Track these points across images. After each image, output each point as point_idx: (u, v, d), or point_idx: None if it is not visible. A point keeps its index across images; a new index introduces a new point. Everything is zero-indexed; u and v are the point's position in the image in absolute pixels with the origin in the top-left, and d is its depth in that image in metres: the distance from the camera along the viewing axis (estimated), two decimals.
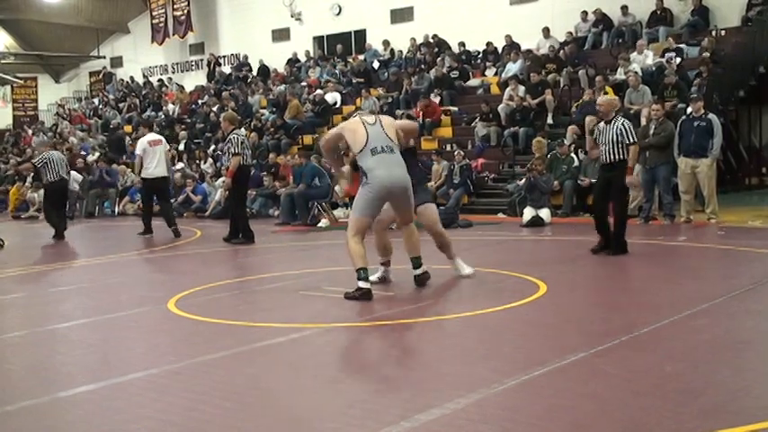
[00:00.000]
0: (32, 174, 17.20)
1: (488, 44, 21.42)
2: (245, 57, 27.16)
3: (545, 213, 13.01)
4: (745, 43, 17.13)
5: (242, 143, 11.57)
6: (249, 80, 25.74)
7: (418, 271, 7.34)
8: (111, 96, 29.62)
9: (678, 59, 16.28)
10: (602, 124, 9.27)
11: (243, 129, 12.99)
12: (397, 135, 7.21)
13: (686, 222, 12.00)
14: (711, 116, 12.16)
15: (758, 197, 16.53)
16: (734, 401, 3.89)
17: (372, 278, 7.19)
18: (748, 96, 17.60)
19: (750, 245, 9.52)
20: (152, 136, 13.71)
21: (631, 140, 8.98)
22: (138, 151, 13.56)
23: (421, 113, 18.09)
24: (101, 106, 29.13)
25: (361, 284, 6.80)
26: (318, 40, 26.97)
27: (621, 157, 8.97)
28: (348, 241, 6.96)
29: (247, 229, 11.78)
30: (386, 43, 24.13)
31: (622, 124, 9.00)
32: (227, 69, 27.97)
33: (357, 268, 6.83)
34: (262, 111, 22.34)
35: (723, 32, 18.10)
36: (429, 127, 18.14)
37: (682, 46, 17.55)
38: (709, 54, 16.37)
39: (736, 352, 4.91)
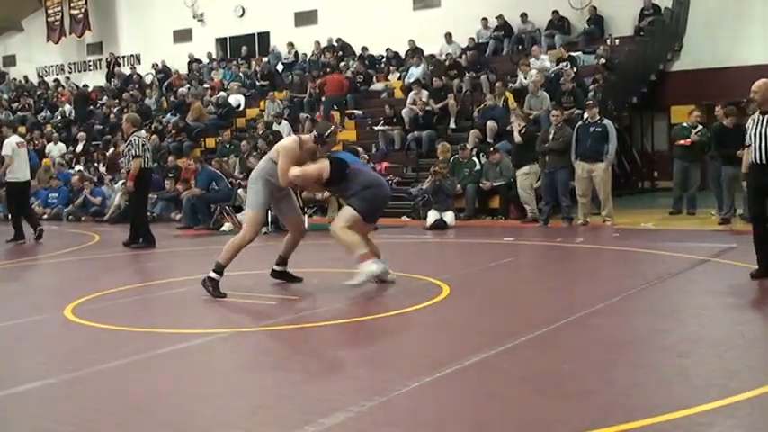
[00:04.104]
0: None
1: (387, 49, 21.59)
2: (163, 61, 26.36)
3: (449, 216, 13.18)
4: (638, 52, 17.78)
5: (143, 145, 11.33)
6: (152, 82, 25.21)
7: (211, 274, 7.15)
8: (5, 96, 28.53)
9: (574, 69, 16.74)
10: (756, 115, 7.49)
11: (143, 131, 12.66)
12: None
13: (583, 225, 12.36)
14: (606, 122, 12.57)
15: (650, 200, 17.17)
16: (628, 398, 4.04)
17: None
18: (640, 103, 18.29)
19: (643, 246, 9.89)
20: (17, 138, 13.29)
21: None
22: (6, 152, 12.68)
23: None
24: None
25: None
26: (221, 42, 26.64)
27: None
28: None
29: (148, 234, 11.55)
30: (290, 46, 24.03)
31: None
32: (126, 70, 27.33)
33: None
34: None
35: (617, 41, 18.74)
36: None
37: (576, 54, 18.08)
38: (603, 62, 16.92)
39: (630, 350, 5.09)
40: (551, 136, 12.68)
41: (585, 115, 12.67)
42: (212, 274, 7.12)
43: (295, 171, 7.06)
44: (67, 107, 25.08)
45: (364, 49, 22.04)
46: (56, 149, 21.41)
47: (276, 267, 7.73)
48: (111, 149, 19.83)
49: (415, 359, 5.00)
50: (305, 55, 23.47)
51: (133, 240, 11.51)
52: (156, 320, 6.51)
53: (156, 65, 26.03)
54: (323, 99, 19.48)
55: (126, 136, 11.90)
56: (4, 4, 30.44)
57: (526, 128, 13.20)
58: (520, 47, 19.79)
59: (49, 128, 23.47)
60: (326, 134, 7.30)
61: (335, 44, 22.79)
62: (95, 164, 20.05)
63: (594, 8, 19.41)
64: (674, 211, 13.54)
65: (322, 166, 7.16)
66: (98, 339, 5.87)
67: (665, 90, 18.63)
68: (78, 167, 19.52)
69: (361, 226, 7.31)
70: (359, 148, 14.85)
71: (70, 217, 17.49)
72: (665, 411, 3.76)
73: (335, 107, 19.18)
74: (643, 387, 4.22)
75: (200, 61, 25.66)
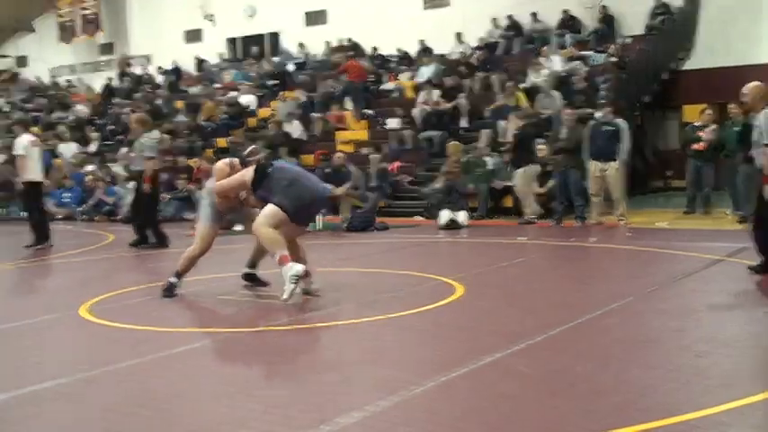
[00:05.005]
0: None
1: (398, 49, 21.58)
2: (175, 62, 26.41)
3: (462, 216, 13.16)
4: (650, 50, 17.72)
5: (154, 146, 11.36)
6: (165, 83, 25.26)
7: (171, 279, 7.35)
8: (18, 97, 28.65)
9: (585, 68, 16.69)
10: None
11: (156, 131, 12.52)
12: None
13: (597, 224, 12.33)
14: (619, 121, 12.53)
15: (663, 199, 17.11)
16: (643, 398, 4.02)
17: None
18: (653, 102, 18.22)
19: (657, 245, 9.85)
20: (30, 136, 12.55)
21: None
22: (20, 151, 12.06)
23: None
24: (4, 108, 28.12)
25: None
26: (232, 42, 26.69)
27: None
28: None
29: (161, 234, 11.53)
30: (300, 45, 24.05)
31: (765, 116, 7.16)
32: (137, 70, 27.40)
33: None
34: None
35: (629, 40, 18.69)
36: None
37: (588, 53, 18.03)
38: (615, 61, 16.87)
39: (645, 350, 5.07)
40: (563, 135, 12.65)
41: (598, 114, 12.64)
42: (171, 279, 7.31)
43: (215, 184, 7.16)
44: (80, 107, 25.14)
45: (375, 48, 22.05)
46: (68, 149, 21.47)
47: (247, 270, 7.67)
48: (125, 149, 19.87)
49: (430, 359, 4.99)
50: (315, 55, 23.48)
51: (142, 241, 11.47)
52: (171, 320, 6.51)
53: (161, 67, 26.05)
54: (343, 84, 19.57)
55: (135, 136, 11.87)
56: (15, 5, 30.58)
57: (523, 128, 13.16)
58: (530, 46, 19.75)
59: (61, 128, 23.55)
60: (246, 155, 7.36)
61: (346, 44, 22.80)
62: (108, 164, 20.10)
63: (605, 7, 19.36)
64: (688, 210, 13.49)
65: (244, 172, 7.06)
66: (113, 338, 5.89)
67: (678, 89, 18.56)
68: (90, 167, 19.55)
69: (292, 229, 6.91)
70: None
71: (84, 217, 17.56)
72: (682, 412, 3.74)
73: (353, 101, 19.24)
74: (659, 387, 4.20)
75: (206, 61, 25.67)
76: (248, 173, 7.00)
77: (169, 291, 7.27)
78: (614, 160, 12.26)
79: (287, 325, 6.12)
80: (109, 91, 25.68)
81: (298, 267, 6.50)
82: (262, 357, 5.32)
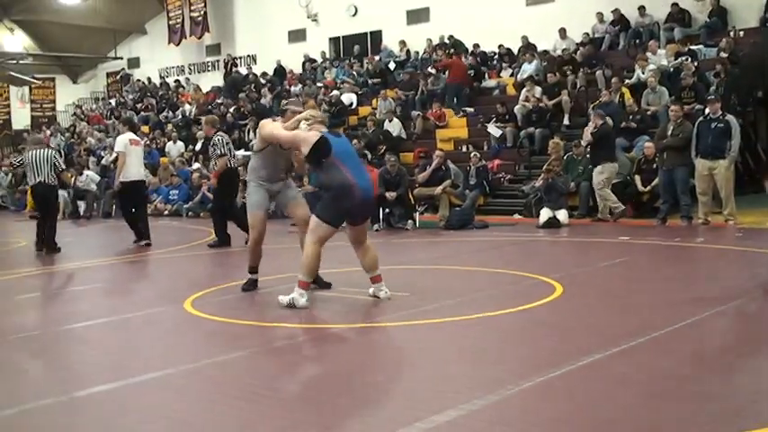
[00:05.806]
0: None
1: (500, 46, 21.37)
2: (279, 61, 26.87)
3: (562, 214, 12.94)
4: (764, 44, 16.98)
5: (227, 144, 11.60)
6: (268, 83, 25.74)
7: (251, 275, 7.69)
8: (130, 97, 29.78)
9: (694, 63, 16.14)
10: None
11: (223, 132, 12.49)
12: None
13: (704, 224, 11.92)
14: (729, 117, 12.08)
15: None
16: (753, 404, 3.86)
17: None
18: (766, 98, 17.47)
19: None
20: (131, 135, 12.43)
21: None
22: (119, 148, 12.22)
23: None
24: (118, 107, 29.30)
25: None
26: (334, 41, 27.00)
27: None
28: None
29: (224, 233, 11.56)
30: (402, 44, 24.12)
31: None
32: (243, 70, 28.03)
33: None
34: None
35: (741, 33, 17.98)
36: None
37: (696, 47, 17.44)
38: (726, 55, 16.26)
39: (755, 354, 4.87)
40: (670, 132, 12.29)
41: (707, 111, 12.22)
42: (250, 275, 7.66)
43: (267, 130, 7.06)
44: (187, 107, 25.90)
45: (476, 45, 21.91)
46: (175, 148, 22.17)
47: None
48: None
49: (528, 359, 4.92)
50: (417, 53, 23.51)
51: (223, 242, 11.55)
52: (271, 315, 6.61)
53: (266, 73, 26.49)
54: (445, 82, 19.49)
55: (207, 137, 12.14)
56: (128, 9, 31.83)
57: (601, 127, 12.94)
58: (637, 41, 19.24)
59: (169, 127, 24.32)
60: (284, 104, 7.53)
61: (447, 41, 22.72)
62: (213, 162, 20.62)
63: None
64: None
65: (305, 136, 6.64)
66: (216, 332, 6.04)
67: None
68: (196, 165, 20.14)
69: (352, 231, 6.88)
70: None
71: (190, 213, 18.09)
72: None
73: (453, 99, 19.15)
74: None
75: (314, 60, 26.04)
76: (307, 141, 6.61)
77: (248, 285, 7.61)
78: (723, 158, 11.82)
79: (384, 322, 6.14)
80: (234, 82, 26.21)
81: (303, 301, 6.53)
82: (358, 354, 5.35)
